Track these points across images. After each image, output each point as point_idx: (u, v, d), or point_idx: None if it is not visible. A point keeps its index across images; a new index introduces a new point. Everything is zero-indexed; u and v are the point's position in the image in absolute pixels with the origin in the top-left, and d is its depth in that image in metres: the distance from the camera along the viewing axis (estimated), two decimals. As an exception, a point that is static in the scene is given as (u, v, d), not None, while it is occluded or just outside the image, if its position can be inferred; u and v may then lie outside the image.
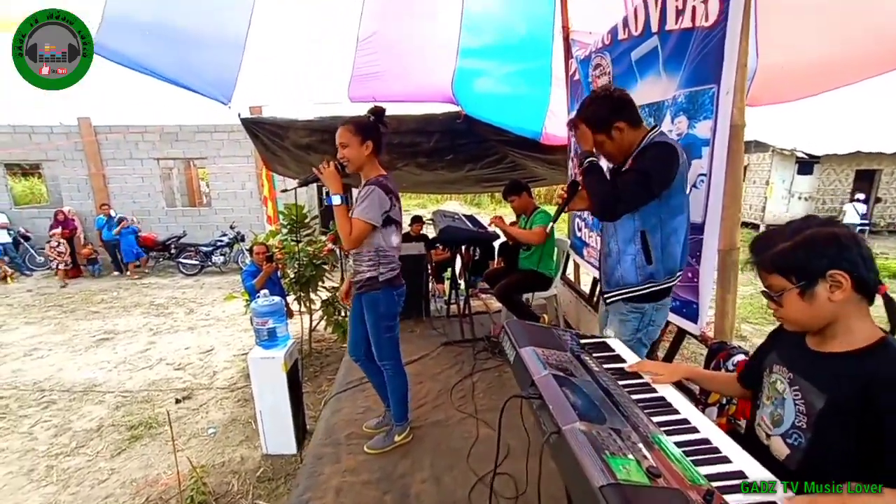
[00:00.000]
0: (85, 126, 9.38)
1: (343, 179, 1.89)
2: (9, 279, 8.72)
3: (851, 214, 11.10)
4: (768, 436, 0.97)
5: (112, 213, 9.13)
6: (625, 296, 1.62)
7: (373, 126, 1.92)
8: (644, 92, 2.01)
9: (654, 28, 1.86)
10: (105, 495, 2.79)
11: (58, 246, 8.62)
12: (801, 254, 0.86)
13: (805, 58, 2.49)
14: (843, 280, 0.82)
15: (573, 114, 1.61)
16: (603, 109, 1.55)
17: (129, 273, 9.01)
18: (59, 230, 8.87)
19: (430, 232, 4.60)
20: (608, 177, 1.62)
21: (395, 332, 2.15)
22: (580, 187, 1.69)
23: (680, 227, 1.54)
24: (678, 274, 1.60)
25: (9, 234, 9.09)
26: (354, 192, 2.20)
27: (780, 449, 0.93)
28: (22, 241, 9.35)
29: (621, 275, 1.61)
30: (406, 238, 5.02)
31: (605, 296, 1.71)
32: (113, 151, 9.63)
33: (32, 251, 9.47)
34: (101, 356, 5.01)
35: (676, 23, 1.70)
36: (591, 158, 1.57)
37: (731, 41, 1.45)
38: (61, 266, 8.59)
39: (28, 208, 10.80)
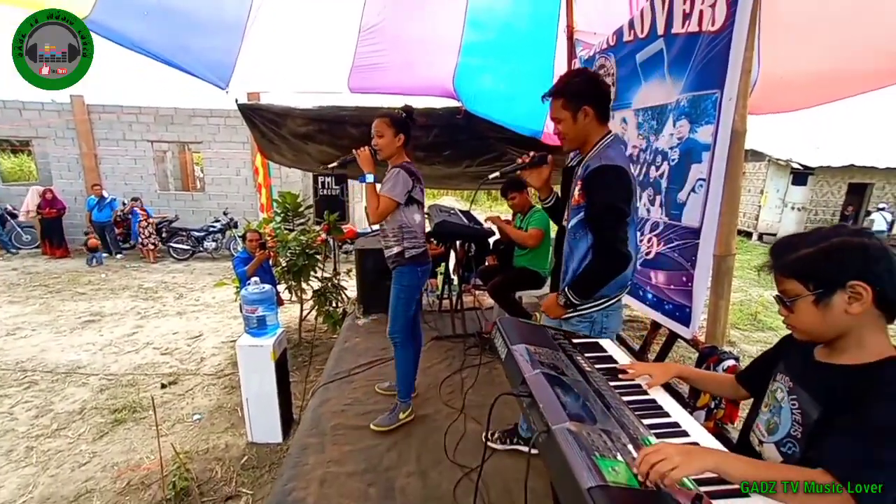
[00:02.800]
0: (78, 104, 9.20)
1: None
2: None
3: (879, 222, 10.89)
4: (761, 442, 0.97)
5: (104, 193, 8.99)
6: (578, 314, 1.60)
7: (404, 122, 2.19)
8: (648, 95, 2.01)
9: (660, 31, 1.85)
10: (85, 478, 2.75)
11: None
12: (822, 261, 0.83)
13: (805, 69, 2.49)
14: (864, 293, 0.79)
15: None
16: (583, 86, 1.52)
17: (144, 255, 9.05)
18: (46, 209, 8.75)
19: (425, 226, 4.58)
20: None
21: (411, 308, 2.32)
22: (546, 163, 1.70)
23: (630, 238, 1.53)
24: (629, 285, 1.61)
25: (-5, 210, 8.94)
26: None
27: (772, 456, 0.92)
28: (9, 218, 9.18)
29: None
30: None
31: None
32: (106, 132, 9.47)
33: (19, 229, 9.31)
34: (86, 338, 4.94)
35: (683, 26, 1.70)
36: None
37: (736, 47, 1.44)
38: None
39: (16, 185, 10.60)
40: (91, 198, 8.93)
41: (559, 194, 1.83)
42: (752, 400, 1.11)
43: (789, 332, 0.96)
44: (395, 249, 2.21)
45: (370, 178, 2.10)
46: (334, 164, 2.38)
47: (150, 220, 9.03)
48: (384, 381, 2.75)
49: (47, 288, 6.85)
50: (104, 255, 9.04)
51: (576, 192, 1.53)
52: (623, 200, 1.46)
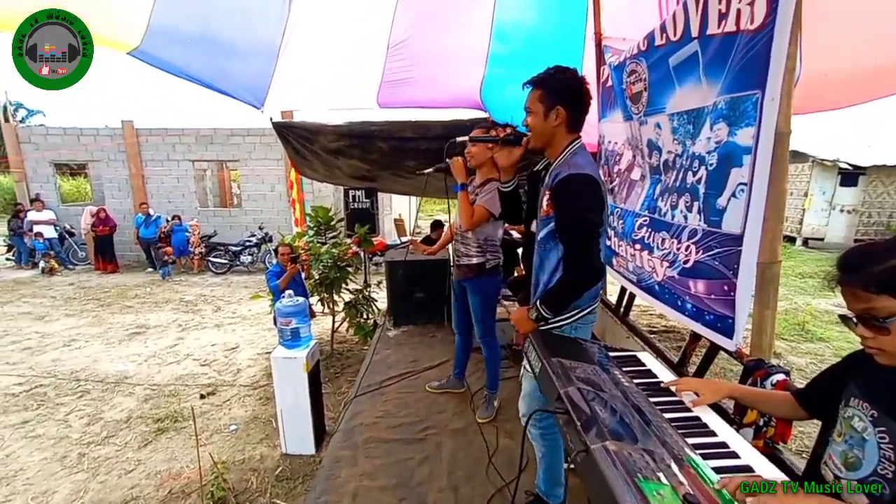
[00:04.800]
0: (128, 128, 9.84)
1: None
2: (55, 272, 9.21)
3: None
4: (838, 478, 0.86)
5: (151, 211, 9.52)
6: (548, 327, 1.53)
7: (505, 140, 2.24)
8: (683, 99, 1.94)
9: (695, 33, 1.79)
10: (131, 485, 2.87)
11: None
12: None
13: (852, 64, 2.36)
14: None
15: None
16: (564, 87, 1.46)
17: (194, 268, 9.61)
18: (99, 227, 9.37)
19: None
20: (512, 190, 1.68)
21: (495, 313, 2.50)
22: (520, 145, 1.62)
23: (600, 248, 1.46)
24: (600, 295, 1.55)
25: (55, 229, 9.61)
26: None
27: (855, 497, 0.82)
28: (67, 236, 9.86)
29: None
30: (428, 242, 5.03)
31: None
32: (152, 153, 10.06)
33: (75, 246, 9.97)
34: (132, 349, 5.20)
35: (719, 27, 1.63)
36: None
37: (778, 44, 1.37)
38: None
39: (74, 205, 11.38)
40: (139, 216, 9.48)
41: (521, 185, 1.77)
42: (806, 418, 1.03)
43: (858, 348, 0.85)
44: (476, 260, 2.31)
45: (462, 187, 2.18)
46: (430, 170, 2.40)
47: (197, 234, 9.55)
48: (434, 381, 2.96)
49: (99, 301, 7.27)
50: (149, 269, 9.56)
51: (544, 203, 1.47)
52: (593, 211, 1.41)
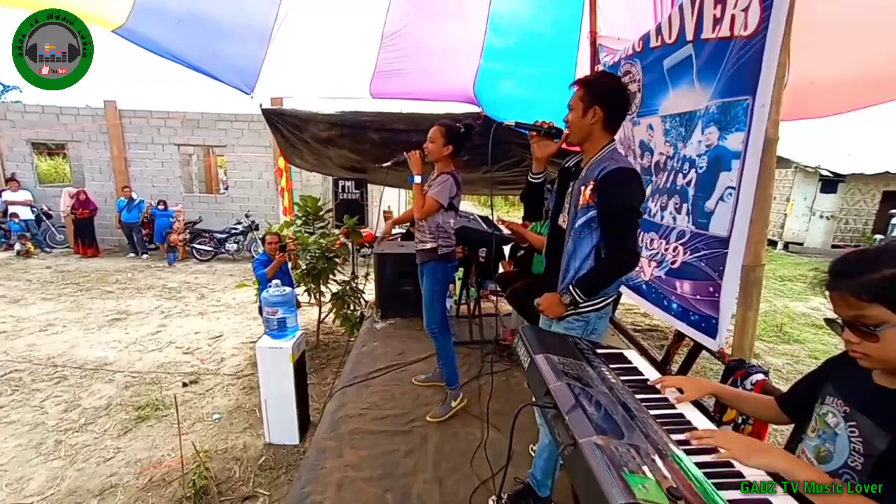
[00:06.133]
0: (111, 109, 9.55)
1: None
2: (31, 255, 8.94)
3: None
4: None
5: (133, 195, 9.29)
6: (576, 313, 1.61)
7: (459, 135, 2.38)
8: (676, 101, 1.97)
9: (689, 36, 1.81)
10: (110, 473, 2.82)
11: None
12: None
13: (839, 74, 2.41)
14: None
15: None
16: (606, 89, 1.55)
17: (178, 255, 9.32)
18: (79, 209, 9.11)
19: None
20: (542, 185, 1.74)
21: (444, 302, 2.56)
22: (559, 139, 1.68)
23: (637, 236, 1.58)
24: (620, 284, 1.64)
25: (32, 210, 9.31)
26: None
27: None
28: (44, 218, 9.56)
29: None
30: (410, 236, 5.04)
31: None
32: (136, 135, 9.80)
33: (53, 229, 9.68)
34: (112, 336, 5.09)
35: (713, 31, 1.66)
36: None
37: (770, 52, 1.40)
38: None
39: (51, 187, 11.04)
40: (121, 199, 9.24)
41: (549, 182, 1.82)
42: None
43: (836, 353, 0.89)
44: (429, 245, 2.43)
45: (417, 178, 2.32)
46: (388, 163, 2.54)
47: (181, 220, 9.32)
48: (420, 375, 2.97)
49: (78, 286, 7.09)
50: (131, 254, 9.35)
51: (587, 192, 1.52)
52: (639, 201, 1.51)
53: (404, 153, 2.36)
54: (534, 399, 1.14)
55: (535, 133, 1.73)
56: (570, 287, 1.55)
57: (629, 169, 1.50)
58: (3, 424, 3.31)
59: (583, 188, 1.54)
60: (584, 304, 1.57)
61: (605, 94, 1.54)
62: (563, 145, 1.72)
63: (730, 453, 0.84)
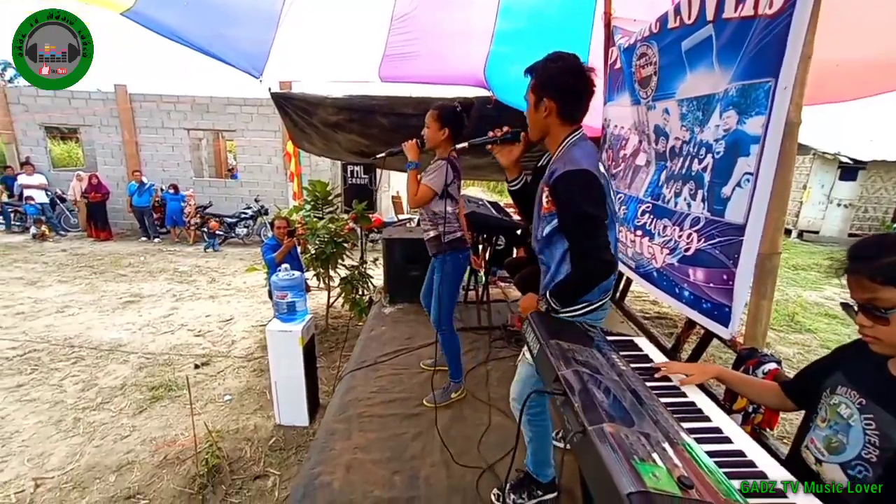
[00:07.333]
0: (121, 93, 9.58)
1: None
2: (47, 238, 9.11)
3: None
4: (819, 461, 0.90)
5: (144, 179, 9.37)
6: (562, 316, 1.49)
7: (455, 114, 2.22)
8: (693, 84, 1.90)
9: (710, 16, 1.74)
10: (126, 450, 2.91)
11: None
12: None
13: (863, 57, 2.32)
14: None
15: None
16: (553, 76, 1.38)
17: (187, 235, 9.47)
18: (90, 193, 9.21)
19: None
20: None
21: (456, 297, 2.46)
22: (518, 140, 1.60)
23: (609, 241, 1.39)
24: (611, 289, 1.50)
25: (46, 194, 9.45)
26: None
27: (836, 478, 0.85)
28: (58, 201, 9.70)
29: None
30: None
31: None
32: (146, 119, 9.83)
33: (67, 212, 9.83)
34: (126, 318, 5.19)
35: (736, 11, 1.59)
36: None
37: (796, 31, 1.34)
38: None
39: (65, 170, 11.17)
40: (132, 183, 9.33)
41: (528, 179, 1.72)
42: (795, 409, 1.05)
43: (847, 341, 0.89)
44: (432, 233, 2.35)
45: (412, 165, 2.23)
46: (382, 154, 2.41)
47: (192, 204, 9.40)
48: (428, 359, 2.88)
49: (92, 269, 7.22)
50: (143, 238, 9.47)
51: (544, 200, 1.41)
52: (593, 205, 1.33)
53: (402, 144, 2.26)
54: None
55: (492, 146, 1.64)
56: (546, 295, 1.45)
57: (576, 171, 1.32)
58: (24, 402, 3.41)
59: (542, 193, 1.44)
60: (563, 311, 1.45)
61: (553, 83, 1.38)
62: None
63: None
